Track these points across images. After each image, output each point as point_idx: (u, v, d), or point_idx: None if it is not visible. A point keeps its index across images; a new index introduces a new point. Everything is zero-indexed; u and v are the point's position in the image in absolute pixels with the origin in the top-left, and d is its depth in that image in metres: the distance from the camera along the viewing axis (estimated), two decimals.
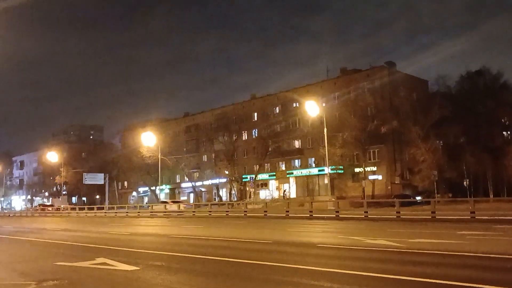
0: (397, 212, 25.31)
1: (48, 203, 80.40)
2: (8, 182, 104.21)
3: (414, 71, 57.27)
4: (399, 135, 50.22)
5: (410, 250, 11.08)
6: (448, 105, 44.36)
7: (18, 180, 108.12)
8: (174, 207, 44.54)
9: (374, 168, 53.08)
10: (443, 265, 9.04)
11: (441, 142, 48.08)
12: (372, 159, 53.56)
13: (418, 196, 41.52)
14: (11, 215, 63.74)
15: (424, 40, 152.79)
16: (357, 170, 52.96)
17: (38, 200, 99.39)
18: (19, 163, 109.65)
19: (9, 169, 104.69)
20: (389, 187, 51.21)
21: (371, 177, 52.03)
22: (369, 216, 26.14)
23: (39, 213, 59.84)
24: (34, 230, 24.51)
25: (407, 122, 46.93)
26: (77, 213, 53.50)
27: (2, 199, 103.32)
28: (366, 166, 51.59)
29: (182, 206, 45.28)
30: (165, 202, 51.18)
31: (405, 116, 47.71)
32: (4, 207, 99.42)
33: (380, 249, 11.48)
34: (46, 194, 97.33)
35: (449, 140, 46.92)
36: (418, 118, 45.98)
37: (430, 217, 23.51)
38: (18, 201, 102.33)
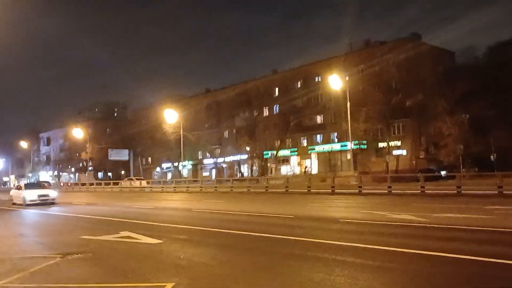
0: (421, 187, 24.90)
1: (43, 180, 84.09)
2: (36, 158, 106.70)
3: (440, 42, 55.50)
4: (424, 109, 49.08)
5: (436, 225, 10.87)
6: (475, 77, 42.96)
7: (45, 156, 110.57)
8: (137, 183, 53.01)
9: (398, 143, 52.27)
10: (470, 240, 8.84)
11: (468, 115, 46.85)
12: (396, 133, 52.71)
13: (443, 170, 40.75)
14: None
15: (449, 11, 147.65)
16: (380, 145, 52.25)
17: (65, 175, 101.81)
18: (45, 139, 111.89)
19: (36, 146, 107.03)
20: (414, 162, 50.45)
21: (395, 152, 51.32)
22: (393, 191, 25.80)
23: (65, 188, 61.28)
24: (61, 204, 25.07)
25: (432, 95, 45.82)
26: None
27: (30, 175, 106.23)
28: (390, 141, 50.82)
29: (144, 183, 53.80)
30: (131, 179, 59.56)
31: (430, 89, 46.58)
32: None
33: (404, 224, 11.30)
34: (73, 170, 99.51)
35: (476, 113, 45.62)
36: (444, 91, 44.78)
37: (456, 192, 23.04)
38: (46, 177, 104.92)
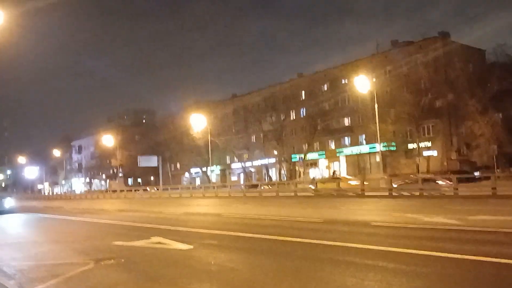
0: (454, 189, 24.29)
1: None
2: (68, 166, 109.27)
3: (470, 41, 53.91)
4: (455, 109, 48.07)
5: (471, 228, 10.52)
6: (507, 75, 41.82)
7: (77, 164, 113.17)
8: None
9: (429, 144, 51.29)
10: (509, 243, 8.53)
11: (501, 115, 45.58)
12: (426, 134, 51.77)
13: (476, 172, 39.68)
14: (71, 198, 67.01)
15: (476, 10, 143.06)
16: (410, 146, 51.38)
17: (96, 182, 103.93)
18: (77, 148, 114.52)
19: (68, 153, 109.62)
20: (445, 163, 49.39)
21: (425, 153, 50.36)
22: (424, 194, 25.27)
23: (97, 195, 62.47)
24: (93, 211, 25.55)
25: (463, 95, 44.82)
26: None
27: (63, 182, 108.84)
28: (420, 142, 49.95)
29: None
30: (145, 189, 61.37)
31: (461, 89, 45.56)
32: (65, 190, 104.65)
33: (438, 227, 11.00)
34: (104, 176, 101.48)
35: (510, 112, 44.37)
36: (475, 90, 43.74)
37: (491, 193, 22.34)
38: (78, 184, 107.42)
